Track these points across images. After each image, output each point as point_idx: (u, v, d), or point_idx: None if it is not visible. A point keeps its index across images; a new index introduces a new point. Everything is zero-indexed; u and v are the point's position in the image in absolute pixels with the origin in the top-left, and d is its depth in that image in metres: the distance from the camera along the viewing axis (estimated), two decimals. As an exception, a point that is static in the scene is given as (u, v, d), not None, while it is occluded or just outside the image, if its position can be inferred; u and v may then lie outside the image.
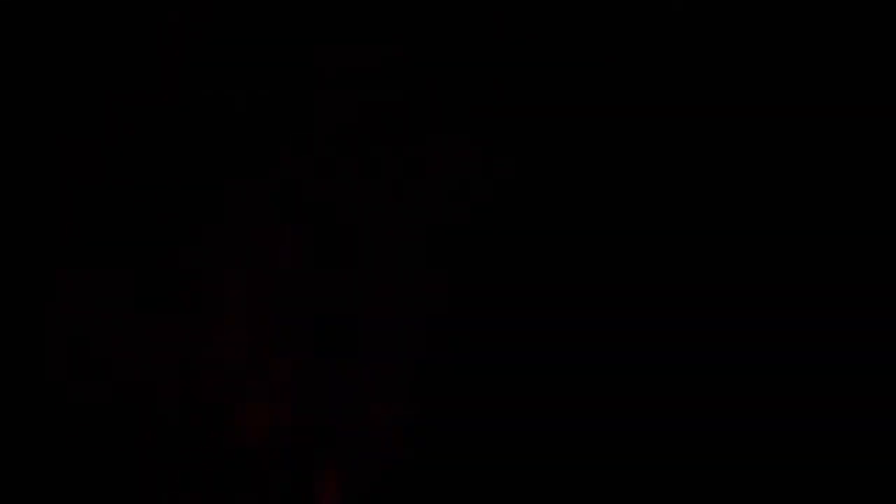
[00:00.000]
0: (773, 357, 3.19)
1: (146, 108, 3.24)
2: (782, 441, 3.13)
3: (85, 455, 3.08)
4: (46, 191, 3.20)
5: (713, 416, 3.16)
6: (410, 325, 3.15)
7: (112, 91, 3.23)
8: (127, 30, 3.24)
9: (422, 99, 3.27)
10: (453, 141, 3.25)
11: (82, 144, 3.21)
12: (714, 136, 3.25)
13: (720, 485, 3.13)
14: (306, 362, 3.13)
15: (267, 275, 3.16)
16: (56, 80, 3.22)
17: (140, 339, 3.14)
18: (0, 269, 3.17)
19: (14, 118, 3.21)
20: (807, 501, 3.12)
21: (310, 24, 3.28)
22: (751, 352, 3.18)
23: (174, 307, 3.13)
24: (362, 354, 3.13)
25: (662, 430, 3.14)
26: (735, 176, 3.22)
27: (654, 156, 3.26)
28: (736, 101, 3.25)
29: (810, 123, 3.21)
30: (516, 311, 3.18)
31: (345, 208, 3.19)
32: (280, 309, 3.14)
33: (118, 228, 3.17)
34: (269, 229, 3.14)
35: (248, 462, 3.05)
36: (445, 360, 3.14)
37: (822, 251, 3.21)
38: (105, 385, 3.12)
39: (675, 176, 3.23)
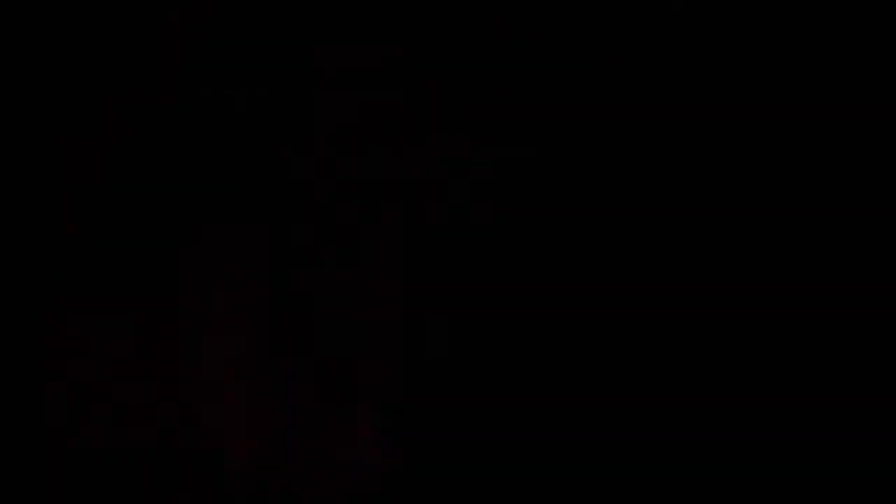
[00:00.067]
0: (773, 359, 3.19)
1: (146, 108, 3.24)
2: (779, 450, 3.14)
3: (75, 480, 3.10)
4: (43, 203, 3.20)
5: (712, 422, 3.16)
6: (400, 352, 3.16)
7: (112, 91, 3.23)
8: (127, 30, 3.23)
9: (422, 99, 3.27)
10: (453, 141, 3.25)
11: (82, 145, 3.21)
12: (713, 137, 3.25)
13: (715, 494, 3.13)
14: (290, 392, 3.13)
15: (256, 296, 3.16)
16: (56, 80, 3.22)
17: (128, 359, 3.14)
18: None
19: (14, 118, 3.21)
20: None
21: (310, 24, 3.28)
22: (751, 354, 3.19)
23: (165, 330, 3.13)
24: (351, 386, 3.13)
25: (661, 443, 3.14)
26: (734, 183, 3.22)
27: (655, 157, 3.25)
28: (734, 101, 3.25)
29: (812, 123, 3.21)
30: (516, 326, 3.18)
31: (344, 211, 3.19)
32: (268, 335, 3.14)
33: (114, 239, 3.17)
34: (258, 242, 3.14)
35: (229, 491, 3.05)
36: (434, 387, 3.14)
37: (824, 254, 3.21)
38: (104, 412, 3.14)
39: (677, 176, 3.23)
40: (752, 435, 3.10)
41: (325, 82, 3.26)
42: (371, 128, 3.26)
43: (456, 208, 3.23)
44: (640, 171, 3.25)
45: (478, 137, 3.26)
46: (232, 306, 3.17)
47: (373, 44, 3.27)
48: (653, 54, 3.25)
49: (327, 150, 3.26)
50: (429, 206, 3.23)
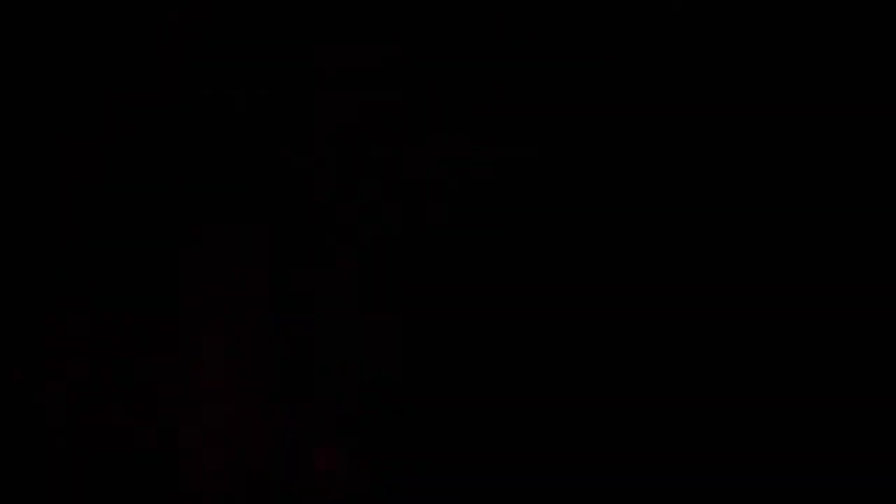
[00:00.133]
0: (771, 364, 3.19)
1: (146, 108, 3.24)
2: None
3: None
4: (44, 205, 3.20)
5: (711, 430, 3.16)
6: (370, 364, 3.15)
7: (112, 91, 3.23)
8: (127, 30, 3.24)
9: (421, 99, 3.27)
10: (453, 141, 3.25)
11: (82, 145, 3.21)
12: (712, 137, 3.25)
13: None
14: (262, 406, 3.12)
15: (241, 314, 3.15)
16: (56, 80, 3.23)
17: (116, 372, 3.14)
18: None
19: (13, 118, 3.21)
20: None
21: (310, 25, 3.28)
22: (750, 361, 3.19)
23: (151, 349, 3.13)
24: (316, 399, 3.12)
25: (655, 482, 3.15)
26: (731, 182, 3.21)
27: (655, 156, 3.26)
28: (733, 100, 3.25)
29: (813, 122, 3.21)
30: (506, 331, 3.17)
31: (343, 211, 3.18)
32: (247, 351, 3.13)
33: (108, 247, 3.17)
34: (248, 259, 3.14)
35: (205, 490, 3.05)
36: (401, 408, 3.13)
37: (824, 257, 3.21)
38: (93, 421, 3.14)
39: (676, 175, 3.23)
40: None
41: (325, 82, 3.26)
42: (371, 128, 3.27)
43: (455, 208, 3.23)
44: (640, 170, 3.25)
45: (478, 137, 3.26)
46: (231, 306, 3.17)
47: (372, 44, 3.28)
48: (652, 54, 3.25)
49: (327, 150, 3.26)
50: (429, 206, 3.23)
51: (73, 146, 3.21)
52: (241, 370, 3.15)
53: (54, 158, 3.21)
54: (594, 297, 3.24)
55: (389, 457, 3.10)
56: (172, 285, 3.18)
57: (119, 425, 3.11)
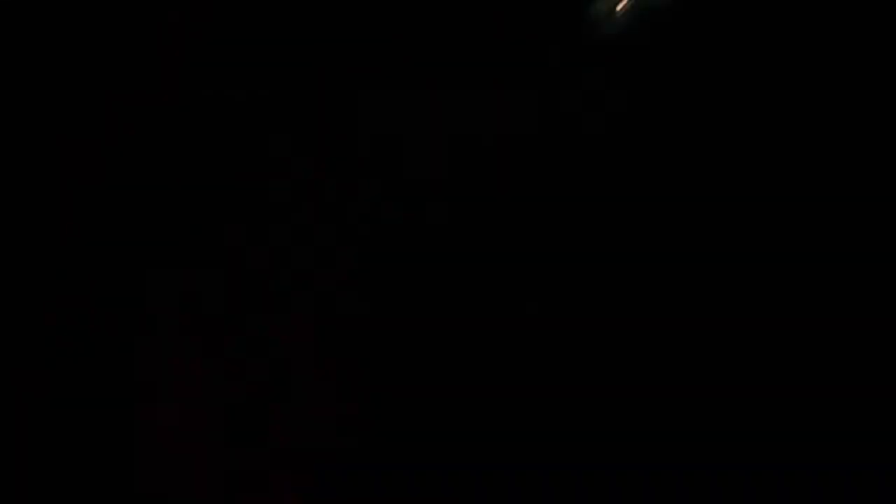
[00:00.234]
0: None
1: (146, 108, 3.24)
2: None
3: None
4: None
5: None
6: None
7: (112, 91, 3.23)
8: (127, 30, 3.24)
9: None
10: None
11: (82, 145, 3.21)
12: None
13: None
14: (218, 449, 3.10)
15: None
16: (56, 80, 3.23)
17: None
18: None
19: (13, 118, 3.21)
20: None
21: (310, 26, 3.28)
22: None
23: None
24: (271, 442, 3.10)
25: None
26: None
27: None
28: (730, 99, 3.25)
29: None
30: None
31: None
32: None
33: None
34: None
35: None
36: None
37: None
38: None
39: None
40: None
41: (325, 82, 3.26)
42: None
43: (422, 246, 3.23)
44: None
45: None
46: (187, 348, 3.14)
47: (373, 43, 3.28)
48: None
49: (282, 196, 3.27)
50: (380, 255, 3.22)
51: (73, 146, 3.21)
52: (197, 413, 3.12)
53: (54, 158, 3.21)
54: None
55: (348, 499, 3.06)
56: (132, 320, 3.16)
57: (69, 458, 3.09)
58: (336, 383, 3.17)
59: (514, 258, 3.17)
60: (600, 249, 3.06)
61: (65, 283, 3.18)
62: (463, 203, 3.16)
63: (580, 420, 3.18)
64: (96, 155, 3.21)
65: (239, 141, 3.27)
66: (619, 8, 2.67)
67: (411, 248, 3.27)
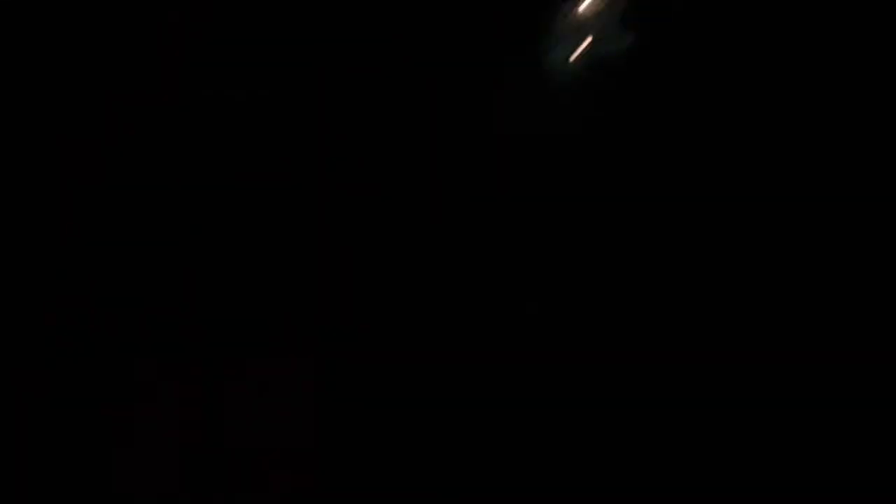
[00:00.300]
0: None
1: (146, 108, 3.24)
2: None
3: None
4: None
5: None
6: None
7: (112, 91, 3.23)
8: (127, 29, 3.23)
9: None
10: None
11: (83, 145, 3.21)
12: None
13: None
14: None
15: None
16: (56, 80, 3.22)
17: None
18: None
19: (14, 118, 3.21)
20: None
21: (310, 25, 3.27)
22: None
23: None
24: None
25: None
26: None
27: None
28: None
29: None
30: None
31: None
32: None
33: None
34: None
35: None
36: None
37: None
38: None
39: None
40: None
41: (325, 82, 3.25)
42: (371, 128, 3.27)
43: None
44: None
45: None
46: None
47: (373, 44, 3.27)
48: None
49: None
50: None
51: (73, 146, 3.21)
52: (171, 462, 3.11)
53: (54, 158, 3.21)
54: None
55: None
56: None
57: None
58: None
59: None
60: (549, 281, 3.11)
61: (65, 283, 3.18)
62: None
63: (579, 422, 3.19)
64: (96, 155, 3.21)
65: (239, 141, 3.27)
66: (573, 56, 2.79)
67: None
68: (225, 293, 3.24)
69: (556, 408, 3.21)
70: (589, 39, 2.79)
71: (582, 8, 2.79)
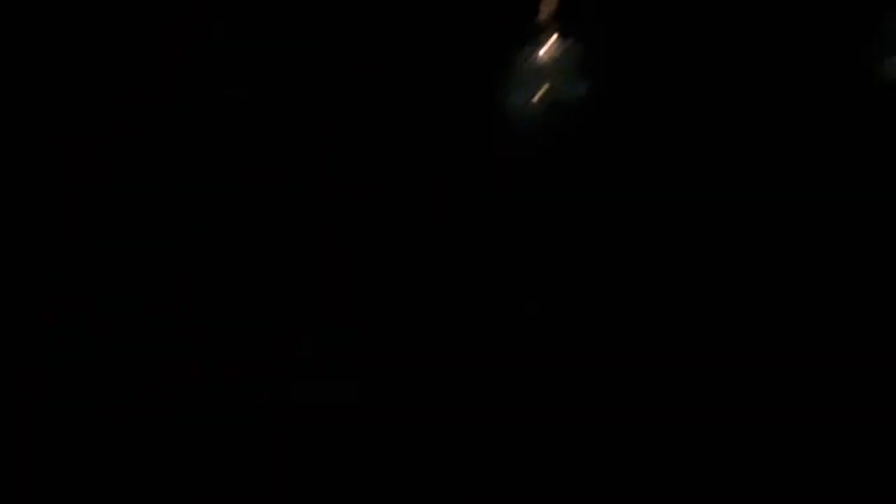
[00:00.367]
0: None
1: (146, 108, 3.24)
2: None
3: None
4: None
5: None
6: None
7: (112, 91, 3.23)
8: (127, 29, 3.23)
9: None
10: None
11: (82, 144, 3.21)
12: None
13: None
14: None
15: None
16: (56, 80, 3.22)
17: None
18: None
19: (14, 118, 3.21)
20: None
21: (310, 24, 3.27)
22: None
23: None
24: None
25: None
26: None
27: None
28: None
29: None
30: None
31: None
32: None
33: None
34: None
35: None
36: None
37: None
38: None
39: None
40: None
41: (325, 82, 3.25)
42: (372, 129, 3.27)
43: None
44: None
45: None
46: None
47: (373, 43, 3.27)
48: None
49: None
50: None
51: (73, 146, 3.21)
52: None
53: (54, 158, 3.21)
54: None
55: None
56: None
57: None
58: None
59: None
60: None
61: (65, 283, 3.18)
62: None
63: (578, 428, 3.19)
64: (96, 155, 3.21)
65: (239, 141, 3.27)
66: (534, 99, 2.86)
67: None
68: (225, 293, 3.24)
69: (556, 408, 3.22)
70: (547, 85, 2.85)
71: (541, 53, 2.84)
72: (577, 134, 2.94)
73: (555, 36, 2.88)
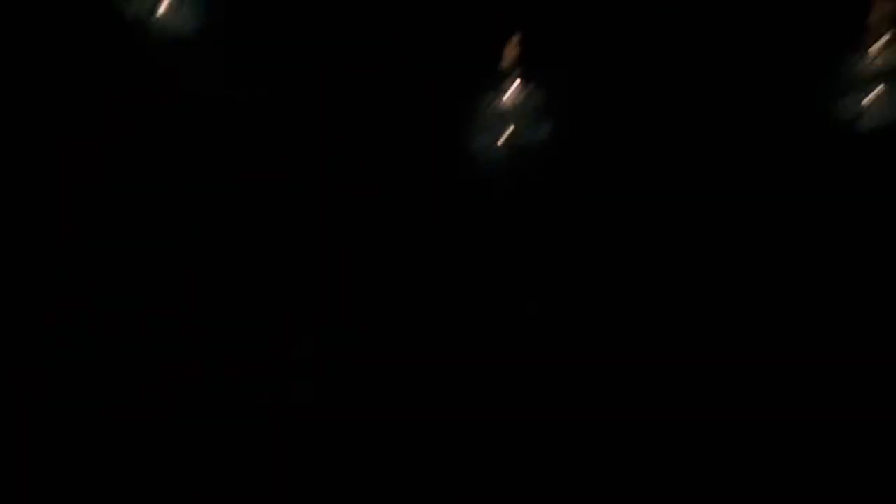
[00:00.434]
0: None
1: (146, 108, 3.22)
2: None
3: None
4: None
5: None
6: None
7: (112, 91, 3.22)
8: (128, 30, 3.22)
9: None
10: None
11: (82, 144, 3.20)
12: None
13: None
14: None
15: None
16: (56, 80, 3.21)
17: None
18: None
19: (14, 118, 3.19)
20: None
21: (310, 24, 3.27)
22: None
23: None
24: None
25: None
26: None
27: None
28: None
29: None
30: None
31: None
32: None
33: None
34: None
35: None
36: None
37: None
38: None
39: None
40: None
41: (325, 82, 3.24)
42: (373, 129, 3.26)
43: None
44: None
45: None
46: None
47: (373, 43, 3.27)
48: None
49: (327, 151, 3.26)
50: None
51: (73, 146, 3.20)
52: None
53: (54, 158, 3.19)
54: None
55: None
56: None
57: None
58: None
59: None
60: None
61: (65, 283, 3.17)
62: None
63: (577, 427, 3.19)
64: (96, 155, 3.20)
65: (239, 141, 3.26)
66: (499, 142, 3.02)
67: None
68: (224, 293, 3.24)
69: (556, 407, 3.22)
70: (511, 128, 3.01)
71: (504, 98, 3.01)
72: (540, 175, 3.08)
73: (517, 81, 3.04)
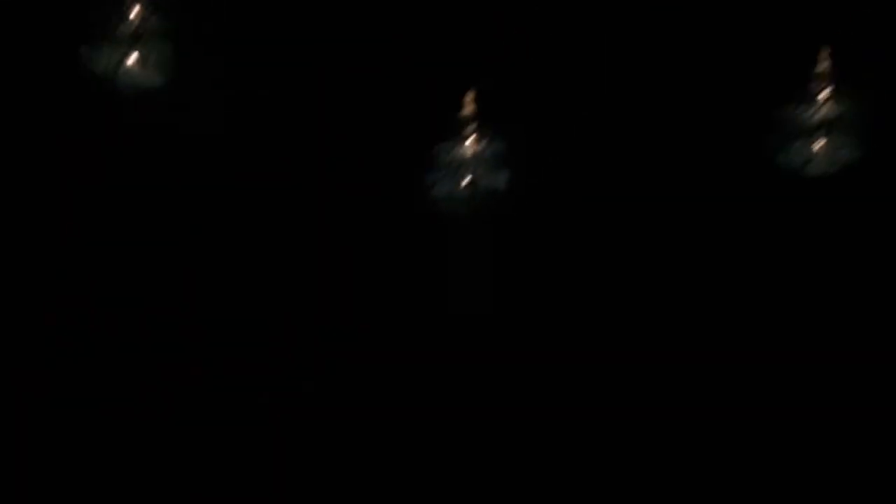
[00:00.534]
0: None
1: (146, 108, 3.23)
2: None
3: None
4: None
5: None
6: None
7: (112, 91, 3.22)
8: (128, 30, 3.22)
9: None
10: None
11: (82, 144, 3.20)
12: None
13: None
14: None
15: None
16: (56, 79, 3.21)
17: None
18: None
19: (14, 118, 3.20)
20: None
21: (310, 24, 3.27)
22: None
23: None
24: None
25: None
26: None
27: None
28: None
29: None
30: None
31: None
32: None
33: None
34: None
35: None
36: None
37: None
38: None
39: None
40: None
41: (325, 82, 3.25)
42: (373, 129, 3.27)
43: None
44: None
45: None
46: None
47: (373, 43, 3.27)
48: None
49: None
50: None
51: (73, 146, 3.20)
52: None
53: (54, 158, 3.20)
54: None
55: None
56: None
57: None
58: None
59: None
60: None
61: (65, 283, 3.18)
62: None
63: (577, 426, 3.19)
64: (96, 155, 3.20)
65: (239, 141, 3.27)
66: (460, 187, 3.09)
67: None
68: (225, 293, 3.24)
69: (556, 407, 3.22)
70: (470, 176, 3.08)
71: (464, 146, 3.08)
72: (500, 220, 3.18)
73: (476, 130, 3.11)
